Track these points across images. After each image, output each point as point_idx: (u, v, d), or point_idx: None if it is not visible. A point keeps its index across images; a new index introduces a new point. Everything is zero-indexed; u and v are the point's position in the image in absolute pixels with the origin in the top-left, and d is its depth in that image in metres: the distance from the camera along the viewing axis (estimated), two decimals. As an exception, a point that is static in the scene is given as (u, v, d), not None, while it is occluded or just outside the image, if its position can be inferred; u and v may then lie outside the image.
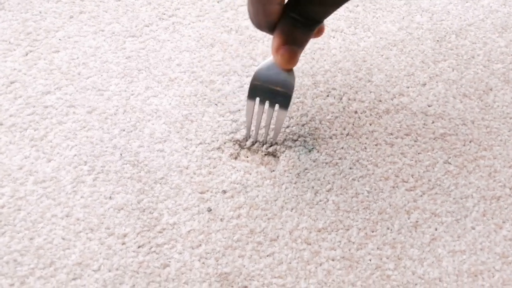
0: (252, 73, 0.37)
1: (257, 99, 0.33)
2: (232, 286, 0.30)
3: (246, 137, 0.35)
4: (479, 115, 0.37)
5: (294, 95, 0.37)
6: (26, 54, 0.37)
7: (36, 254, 0.30)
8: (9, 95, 0.35)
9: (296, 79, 0.37)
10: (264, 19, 0.30)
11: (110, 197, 0.32)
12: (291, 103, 0.35)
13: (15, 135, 0.34)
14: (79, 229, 0.31)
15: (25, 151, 0.33)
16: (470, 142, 0.36)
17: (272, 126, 0.35)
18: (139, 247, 0.31)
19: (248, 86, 0.33)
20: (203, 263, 0.31)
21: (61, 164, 0.33)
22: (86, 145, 0.34)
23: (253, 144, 0.35)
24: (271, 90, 0.32)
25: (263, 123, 0.35)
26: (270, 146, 0.35)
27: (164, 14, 0.40)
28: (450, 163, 0.35)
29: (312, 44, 0.40)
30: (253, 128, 0.35)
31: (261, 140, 0.35)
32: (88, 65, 0.37)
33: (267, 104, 0.32)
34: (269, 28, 0.31)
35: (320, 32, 0.34)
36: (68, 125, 0.34)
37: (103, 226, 0.31)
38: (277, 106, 0.33)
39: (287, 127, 0.36)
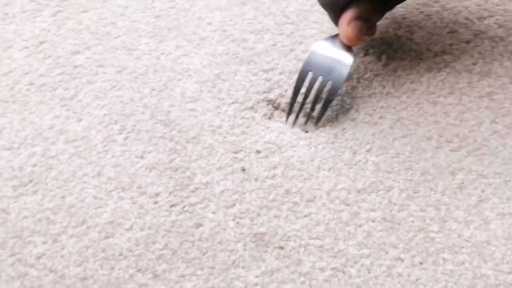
0: (285, 33, 0.36)
1: (310, 72, 0.32)
2: (268, 247, 0.29)
3: (289, 111, 0.33)
4: (529, 73, 0.35)
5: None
6: (55, 14, 0.36)
7: (68, 212, 0.29)
8: (38, 55, 0.34)
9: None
10: None
11: (142, 156, 0.31)
12: (344, 85, 0.34)
13: (45, 94, 0.33)
14: (111, 188, 0.30)
15: (55, 111, 0.32)
16: (519, 101, 0.34)
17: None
18: (171, 206, 0.30)
19: (305, 58, 0.33)
20: (238, 222, 0.30)
21: (91, 124, 0.32)
22: (116, 104, 0.33)
23: (287, 105, 0.33)
24: (327, 64, 0.32)
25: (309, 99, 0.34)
26: (317, 121, 0.33)
27: (194, -28, 0.39)
28: (497, 123, 0.33)
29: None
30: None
31: (303, 117, 0.33)
32: (117, 24, 0.36)
33: (320, 78, 0.32)
34: (334, 8, 0.31)
35: (372, 30, 0.34)
36: (98, 85, 0.34)
37: (135, 185, 0.30)
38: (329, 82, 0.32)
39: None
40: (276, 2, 0.38)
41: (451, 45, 0.36)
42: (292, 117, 0.33)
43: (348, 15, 0.31)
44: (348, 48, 0.33)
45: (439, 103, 0.34)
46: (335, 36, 0.33)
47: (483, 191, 0.31)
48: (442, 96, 0.34)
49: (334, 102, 0.34)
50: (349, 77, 0.34)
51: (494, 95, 0.34)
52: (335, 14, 0.33)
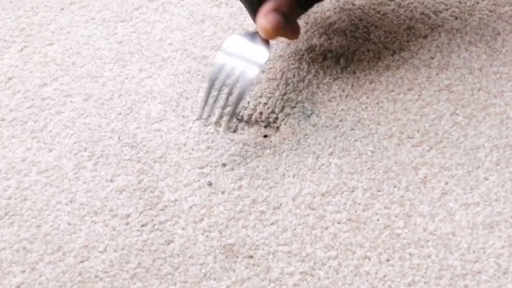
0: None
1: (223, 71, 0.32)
2: (237, 257, 0.30)
3: (199, 116, 0.33)
4: (487, 62, 0.35)
5: (290, 62, 0.36)
6: (22, 50, 0.37)
7: (44, 240, 0.30)
8: (8, 91, 0.36)
9: (291, 44, 0.36)
10: None
11: (111, 180, 0.32)
12: (254, 79, 0.33)
13: (16, 128, 0.34)
14: (84, 213, 0.31)
15: (27, 143, 0.34)
16: (478, 90, 0.34)
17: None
18: (142, 226, 0.31)
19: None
20: (207, 236, 0.30)
21: (62, 153, 0.33)
22: (85, 131, 0.34)
23: (250, 117, 0.34)
24: (241, 59, 0.32)
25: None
26: (239, 121, 0.34)
27: (153, -5, 0.40)
28: (458, 114, 0.33)
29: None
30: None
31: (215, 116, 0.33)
32: (81, 54, 0.37)
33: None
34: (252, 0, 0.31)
35: (294, 31, 0.33)
36: (66, 114, 0.35)
37: (106, 209, 0.31)
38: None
39: (284, 94, 0.35)
40: (234, 17, 0.39)
41: (408, 41, 0.37)
42: (205, 114, 0.33)
43: (266, 7, 0.31)
44: (265, 42, 0.32)
45: (399, 100, 0.34)
46: (254, 32, 0.33)
47: (446, 183, 0.31)
48: (402, 93, 0.35)
49: (296, 109, 0.34)
50: (263, 70, 0.34)
51: (453, 87, 0.35)
52: (253, 7, 0.32)
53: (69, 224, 0.31)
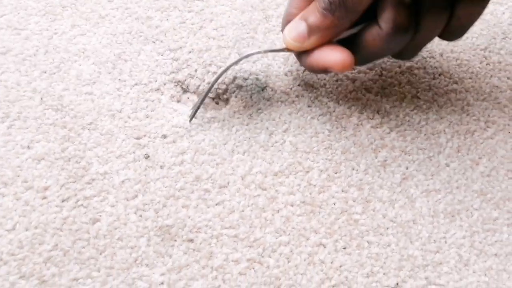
0: (194, 10, 0.33)
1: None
2: (175, 240, 0.26)
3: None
4: (448, 48, 0.34)
5: (244, 30, 0.33)
6: None
7: None
8: None
9: (246, 13, 0.33)
10: (288, 9, 0.27)
11: (28, 147, 0.27)
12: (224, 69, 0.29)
13: None
14: (-11, 183, 0.26)
15: None
16: (439, 75, 0.33)
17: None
18: (63, 201, 0.26)
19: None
20: (140, 215, 0.26)
21: (-32, 112, 0.28)
22: (0, 89, 0.29)
23: (197, 87, 0.30)
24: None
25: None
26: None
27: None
28: (419, 98, 0.32)
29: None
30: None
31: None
32: (1, 2, 0.32)
33: None
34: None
35: (340, 62, 0.27)
36: (-23, 68, 0.29)
37: (19, 179, 0.26)
38: None
39: (236, 64, 0.31)
40: (185, -22, 0.35)
41: (370, 21, 0.35)
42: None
43: (294, 19, 0.27)
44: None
45: (359, 79, 0.32)
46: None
47: (407, 168, 0.29)
48: (362, 72, 0.32)
49: (249, 81, 0.31)
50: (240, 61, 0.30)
51: (415, 69, 0.33)
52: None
53: (-31, 196, 0.25)
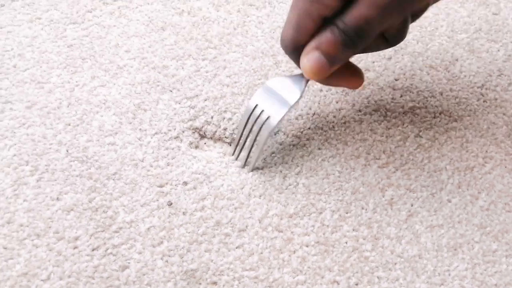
0: (208, 58, 0.35)
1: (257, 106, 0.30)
2: (200, 283, 0.27)
3: (235, 145, 0.31)
4: (447, 86, 0.36)
5: (256, 77, 0.34)
6: (-47, 48, 0.33)
7: (-26, 268, 0.26)
8: None
9: (257, 59, 0.35)
10: (295, 35, 0.27)
11: (58, 198, 0.29)
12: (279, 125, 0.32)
13: None
14: (23, 236, 0.27)
15: (-44, 154, 0.29)
16: (440, 114, 0.35)
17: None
18: (93, 250, 0.28)
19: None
20: (166, 261, 0.28)
21: (-1, 166, 0.29)
22: (27, 143, 0.30)
23: (214, 133, 0.32)
24: (274, 97, 0.30)
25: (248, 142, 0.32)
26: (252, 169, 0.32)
27: (108, -2, 0.37)
28: (421, 137, 0.34)
29: (271, 22, 0.38)
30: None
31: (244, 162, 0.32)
32: (24, 56, 0.33)
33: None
34: (295, 48, 0.28)
35: (353, 77, 0.30)
36: (4, 123, 0.31)
37: (51, 231, 0.28)
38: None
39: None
40: (197, 26, 0.37)
41: (373, 62, 0.37)
42: (237, 150, 0.32)
43: (307, 47, 0.28)
44: (299, 83, 0.30)
45: (365, 120, 0.34)
46: (300, 74, 0.31)
47: (412, 205, 0.31)
48: (368, 113, 0.34)
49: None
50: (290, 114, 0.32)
51: (417, 109, 0.35)
52: (297, 57, 0.29)
53: (5, 248, 0.27)
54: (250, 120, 0.31)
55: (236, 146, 0.31)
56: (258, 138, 0.31)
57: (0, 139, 0.30)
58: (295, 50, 0.29)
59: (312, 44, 0.28)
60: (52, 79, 0.33)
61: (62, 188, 0.29)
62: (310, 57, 0.28)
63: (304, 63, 0.28)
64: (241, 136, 0.31)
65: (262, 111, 0.30)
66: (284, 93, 0.30)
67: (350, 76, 0.31)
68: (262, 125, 0.30)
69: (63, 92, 0.32)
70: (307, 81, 0.30)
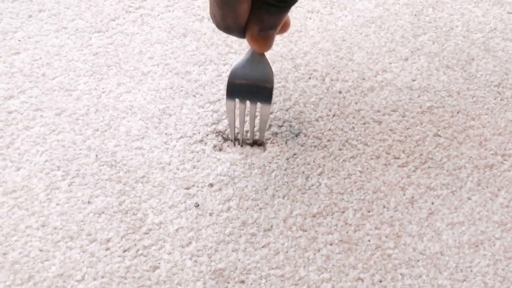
0: (229, 63, 0.36)
1: (237, 100, 0.31)
2: (229, 282, 0.28)
3: (233, 140, 0.33)
4: (464, 86, 0.36)
5: (275, 81, 0.35)
6: (-16, 58, 0.34)
7: (11, 269, 0.27)
8: (-32, 102, 0.32)
9: (276, 63, 0.36)
10: (234, 21, 0.28)
11: (89, 202, 0.30)
12: (273, 96, 0.33)
13: (-22, 144, 0.31)
14: (58, 238, 0.29)
15: (-9, 161, 0.30)
16: (457, 113, 0.35)
17: (256, 126, 0.33)
18: (124, 251, 0.29)
19: (226, 86, 0.31)
20: (195, 261, 0.29)
21: (31, 172, 0.30)
22: (58, 149, 0.31)
23: (236, 135, 0.33)
24: (250, 87, 0.30)
25: (247, 125, 0.33)
26: (260, 145, 0.33)
27: (131, 6, 0.38)
28: (440, 136, 0.34)
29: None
30: (237, 130, 0.33)
31: (248, 142, 0.33)
32: (52, 65, 0.34)
33: (248, 103, 0.31)
34: (239, 30, 0.29)
35: (285, 27, 0.32)
36: (36, 130, 0.32)
37: (84, 233, 0.29)
38: (259, 103, 0.31)
39: (271, 113, 0.34)
40: (217, 32, 0.38)
41: (390, 63, 0.37)
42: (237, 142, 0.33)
43: (250, 32, 0.29)
44: (262, 58, 0.31)
45: (384, 120, 0.35)
46: (249, 52, 0.31)
47: (432, 203, 0.32)
48: (387, 114, 0.35)
49: (283, 128, 0.34)
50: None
51: (434, 109, 0.35)
52: (241, 35, 0.30)
53: (41, 250, 0.28)
54: (240, 114, 0.31)
55: (235, 140, 0.32)
56: (259, 114, 0.31)
57: (32, 145, 0.31)
58: (237, 31, 0.30)
59: (254, 29, 0.29)
60: (79, 86, 0.34)
61: (92, 192, 0.30)
62: (259, 39, 0.29)
63: (257, 46, 0.29)
64: (238, 133, 0.32)
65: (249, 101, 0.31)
66: (257, 76, 0.30)
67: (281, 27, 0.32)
68: (254, 120, 0.31)
69: (90, 99, 0.33)
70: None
